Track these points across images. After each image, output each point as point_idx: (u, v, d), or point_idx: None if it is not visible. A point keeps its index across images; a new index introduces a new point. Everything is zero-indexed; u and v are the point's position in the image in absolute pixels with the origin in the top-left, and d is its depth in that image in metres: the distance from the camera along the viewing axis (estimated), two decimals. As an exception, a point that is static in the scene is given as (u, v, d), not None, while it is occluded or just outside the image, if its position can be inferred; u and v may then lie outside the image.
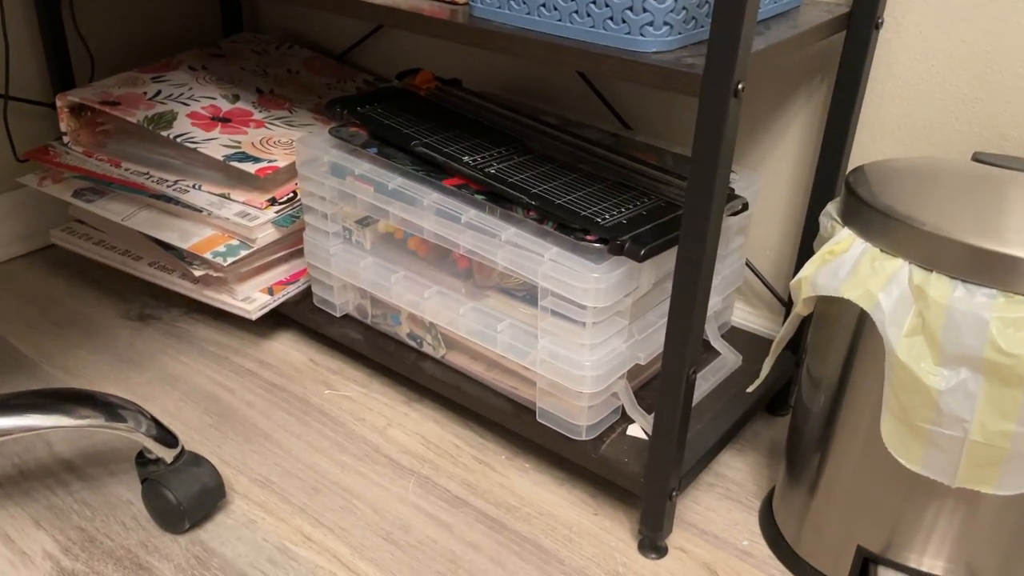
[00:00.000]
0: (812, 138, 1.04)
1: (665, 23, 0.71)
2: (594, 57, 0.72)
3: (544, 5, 0.76)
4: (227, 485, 0.97)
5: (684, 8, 0.71)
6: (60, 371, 1.15)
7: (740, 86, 0.66)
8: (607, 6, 0.72)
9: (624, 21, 0.72)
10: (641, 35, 0.71)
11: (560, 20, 0.76)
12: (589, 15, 0.74)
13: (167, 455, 0.88)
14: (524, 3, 0.78)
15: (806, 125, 1.04)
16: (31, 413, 0.84)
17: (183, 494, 0.87)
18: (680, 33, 0.72)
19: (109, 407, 0.86)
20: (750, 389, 0.93)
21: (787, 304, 1.12)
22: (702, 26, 0.75)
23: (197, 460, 0.90)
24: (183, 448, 0.90)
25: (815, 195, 0.98)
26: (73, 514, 0.92)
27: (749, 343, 1.11)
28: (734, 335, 1.13)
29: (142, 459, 0.90)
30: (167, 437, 0.88)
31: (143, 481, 0.90)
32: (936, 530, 0.75)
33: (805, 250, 1.02)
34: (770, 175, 1.09)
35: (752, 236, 1.14)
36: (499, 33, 0.78)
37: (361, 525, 0.92)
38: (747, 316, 1.18)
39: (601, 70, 0.73)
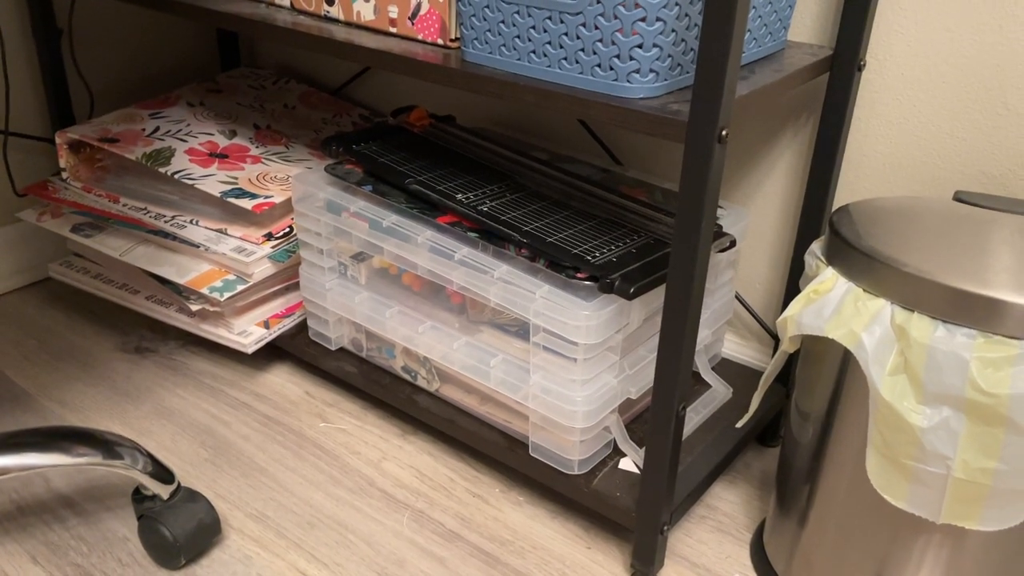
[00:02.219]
0: (798, 174, 1.06)
1: (651, 70, 0.73)
2: (583, 103, 0.74)
3: (534, 51, 0.78)
4: (223, 520, 0.97)
5: (670, 56, 0.73)
6: (57, 404, 1.16)
7: (724, 132, 0.68)
8: (595, 54, 0.74)
9: (612, 68, 0.74)
10: (628, 82, 0.73)
11: (550, 66, 0.78)
12: (578, 62, 0.76)
13: (163, 491, 0.89)
14: (515, 49, 0.80)
15: (792, 162, 1.06)
16: (29, 452, 0.84)
17: (179, 531, 0.88)
18: (666, 80, 0.74)
19: (106, 445, 0.87)
20: (739, 424, 0.94)
21: (776, 337, 1.13)
22: (687, 72, 0.77)
23: (193, 496, 0.91)
24: (179, 484, 0.91)
25: (802, 231, 1.00)
26: (70, 550, 0.93)
27: (739, 375, 1.12)
28: (725, 367, 1.14)
29: (139, 495, 0.90)
30: (163, 474, 0.89)
31: (139, 517, 0.91)
32: (924, 564, 0.76)
33: (793, 284, 1.04)
34: (758, 210, 1.11)
35: (742, 270, 1.16)
36: (490, 79, 0.80)
37: (356, 560, 0.93)
38: (738, 348, 1.19)
39: (590, 116, 0.75)
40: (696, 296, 0.75)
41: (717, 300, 1.06)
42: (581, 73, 0.76)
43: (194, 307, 1.14)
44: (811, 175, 0.97)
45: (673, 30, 0.72)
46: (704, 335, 1.05)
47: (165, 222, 1.16)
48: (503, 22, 0.79)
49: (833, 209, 0.97)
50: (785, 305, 1.00)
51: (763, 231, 1.12)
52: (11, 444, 0.84)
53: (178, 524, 0.88)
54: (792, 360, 1.05)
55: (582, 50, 0.75)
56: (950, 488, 0.69)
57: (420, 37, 0.90)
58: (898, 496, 0.72)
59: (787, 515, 0.87)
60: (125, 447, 0.87)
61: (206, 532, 0.91)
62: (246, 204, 1.13)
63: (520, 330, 0.95)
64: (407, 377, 1.10)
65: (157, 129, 1.26)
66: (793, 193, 1.08)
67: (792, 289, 1.04)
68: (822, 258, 0.78)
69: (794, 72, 0.84)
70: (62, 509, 0.98)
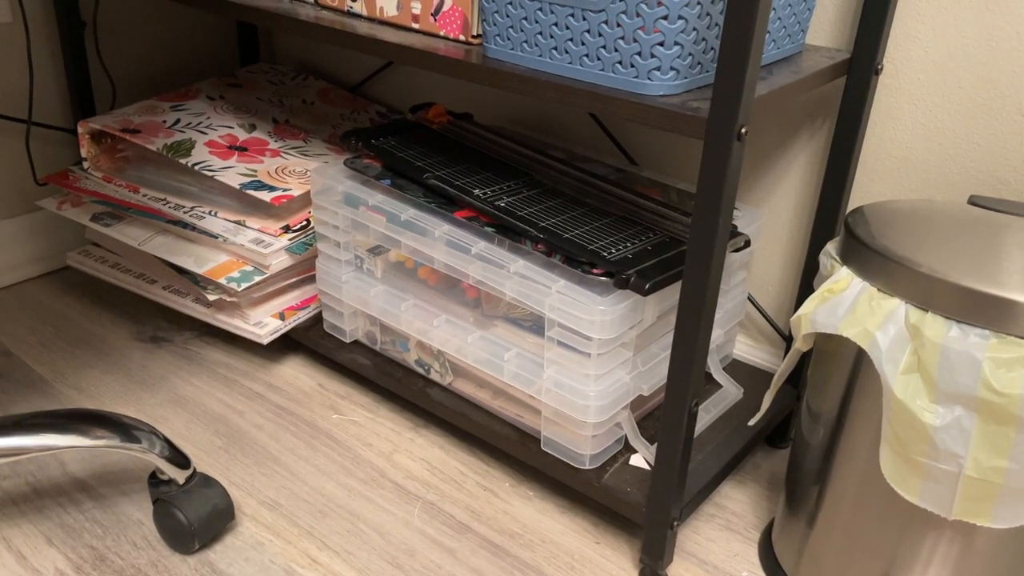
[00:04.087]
0: (814, 177, 1.07)
1: (672, 68, 0.74)
2: (603, 99, 0.75)
3: (556, 48, 0.79)
4: (236, 507, 0.98)
5: (690, 54, 0.74)
6: (73, 391, 1.17)
7: (743, 130, 0.69)
8: (616, 51, 0.75)
9: (632, 65, 0.75)
10: (648, 79, 0.74)
11: (571, 63, 0.79)
12: (599, 59, 0.77)
13: (179, 476, 0.90)
14: (536, 46, 0.81)
15: (808, 165, 1.07)
16: (47, 433, 0.86)
17: (194, 515, 0.89)
18: (686, 78, 0.75)
19: (124, 428, 0.88)
20: (751, 422, 0.95)
21: (788, 338, 1.14)
22: (707, 71, 0.78)
23: (208, 481, 0.92)
24: (195, 469, 0.92)
25: (816, 233, 1.01)
26: (85, 532, 0.94)
27: (750, 376, 1.13)
28: (736, 368, 1.15)
29: (155, 480, 0.92)
30: (180, 458, 0.90)
31: (155, 501, 0.92)
32: (933, 563, 0.76)
33: (806, 286, 1.04)
34: (773, 212, 1.12)
35: (754, 271, 1.16)
36: (512, 74, 0.81)
37: (367, 549, 0.94)
38: (749, 349, 1.20)
39: (610, 112, 0.76)
40: (711, 292, 0.76)
41: (730, 300, 1.07)
42: (602, 70, 0.77)
43: (211, 297, 1.15)
44: (826, 177, 0.97)
45: (694, 28, 0.73)
46: (716, 335, 1.05)
47: (184, 213, 1.17)
48: (525, 19, 0.80)
49: (847, 212, 0.98)
50: (798, 307, 1.01)
51: (777, 233, 1.13)
52: (30, 425, 0.86)
53: (193, 509, 0.89)
54: (802, 362, 1.06)
55: (603, 47, 0.76)
56: (962, 485, 0.70)
57: (442, 33, 0.91)
58: (911, 492, 0.73)
59: (796, 515, 0.88)
60: (143, 431, 0.88)
61: (220, 517, 0.92)
62: (265, 196, 1.14)
63: (534, 325, 0.96)
64: (420, 370, 1.11)
65: (178, 121, 1.28)
66: (807, 196, 1.08)
67: (805, 292, 1.05)
68: (837, 258, 0.79)
69: (812, 74, 0.85)
70: (78, 492, 0.99)
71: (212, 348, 1.28)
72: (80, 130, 1.25)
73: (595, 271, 0.87)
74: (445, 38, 0.91)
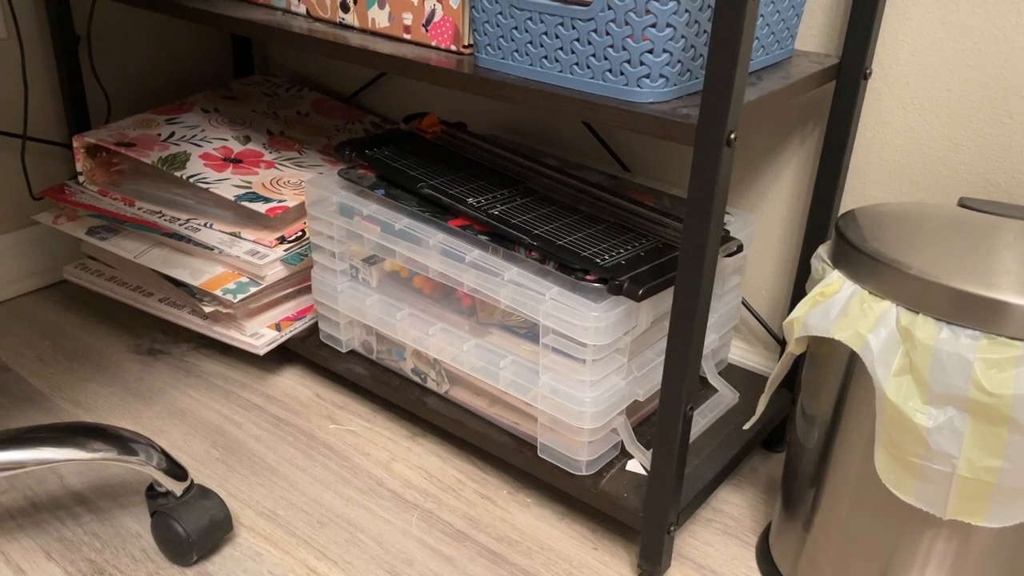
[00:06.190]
0: (805, 181, 1.08)
1: (661, 75, 0.74)
2: (593, 107, 0.76)
3: (546, 57, 0.80)
4: (234, 518, 0.98)
5: (679, 61, 0.75)
6: (71, 404, 1.17)
7: (732, 135, 0.70)
8: (606, 59, 0.76)
9: (622, 73, 0.75)
10: (638, 86, 0.75)
11: (561, 71, 0.79)
12: (589, 67, 0.77)
13: (177, 488, 0.90)
14: (527, 55, 0.81)
15: (799, 169, 1.08)
16: (45, 446, 0.86)
17: (192, 527, 0.89)
18: (675, 84, 0.76)
19: (121, 441, 0.88)
20: (746, 426, 0.95)
21: (782, 342, 1.14)
22: (697, 78, 0.79)
23: (206, 493, 0.92)
24: (192, 481, 0.92)
25: (808, 237, 1.01)
26: (83, 546, 0.94)
27: (746, 380, 1.13)
28: (731, 372, 1.15)
29: (152, 492, 0.92)
30: (177, 470, 0.90)
31: (153, 514, 0.92)
32: (930, 564, 0.77)
33: (799, 290, 1.05)
34: (765, 217, 1.13)
35: (748, 275, 1.17)
36: (503, 83, 0.82)
37: (365, 558, 0.94)
38: (744, 354, 1.20)
39: (600, 119, 0.76)
40: (704, 297, 0.76)
41: (724, 305, 1.07)
42: (592, 78, 0.77)
43: (207, 309, 1.15)
44: (818, 182, 0.98)
45: (683, 36, 0.73)
46: (711, 340, 1.06)
47: (180, 225, 1.18)
48: (516, 28, 0.81)
49: (839, 215, 0.99)
50: (791, 311, 1.02)
51: (769, 238, 1.13)
52: (28, 439, 0.86)
53: (191, 520, 0.90)
54: (797, 365, 1.06)
55: (593, 55, 0.76)
56: (956, 485, 0.70)
57: (434, 43, 0.91)
58: (906, 492, 0.73)
59: (793, 518, 0.88)
60: (140, 443, 0.88)
61: (218, 529, 0.92)
62: (260, 208, 1.14)
63: (529, 332, 0.96)
64: (417, 379, 1.11)
65: (173, 134, 1.28)
66: (799, 200, 1.09)
67: (798, 296, 1.05)
68: (828, 261, 0.79)
69: (801, 79, 0.86)
70: (76, 506, 0.99)
71: (209, 360, 1.28)
72: (75, 144, 1.25)
73: (589, 277, 0.87)
74: (437, 48, 0.92)
